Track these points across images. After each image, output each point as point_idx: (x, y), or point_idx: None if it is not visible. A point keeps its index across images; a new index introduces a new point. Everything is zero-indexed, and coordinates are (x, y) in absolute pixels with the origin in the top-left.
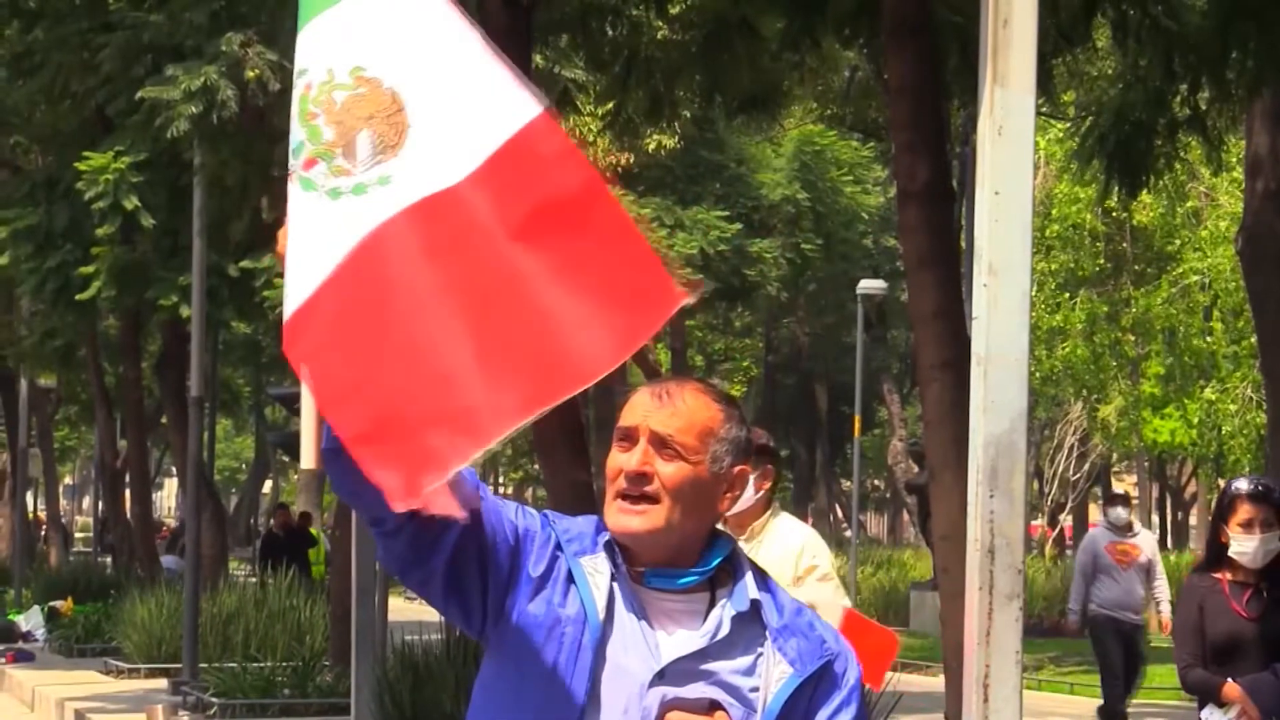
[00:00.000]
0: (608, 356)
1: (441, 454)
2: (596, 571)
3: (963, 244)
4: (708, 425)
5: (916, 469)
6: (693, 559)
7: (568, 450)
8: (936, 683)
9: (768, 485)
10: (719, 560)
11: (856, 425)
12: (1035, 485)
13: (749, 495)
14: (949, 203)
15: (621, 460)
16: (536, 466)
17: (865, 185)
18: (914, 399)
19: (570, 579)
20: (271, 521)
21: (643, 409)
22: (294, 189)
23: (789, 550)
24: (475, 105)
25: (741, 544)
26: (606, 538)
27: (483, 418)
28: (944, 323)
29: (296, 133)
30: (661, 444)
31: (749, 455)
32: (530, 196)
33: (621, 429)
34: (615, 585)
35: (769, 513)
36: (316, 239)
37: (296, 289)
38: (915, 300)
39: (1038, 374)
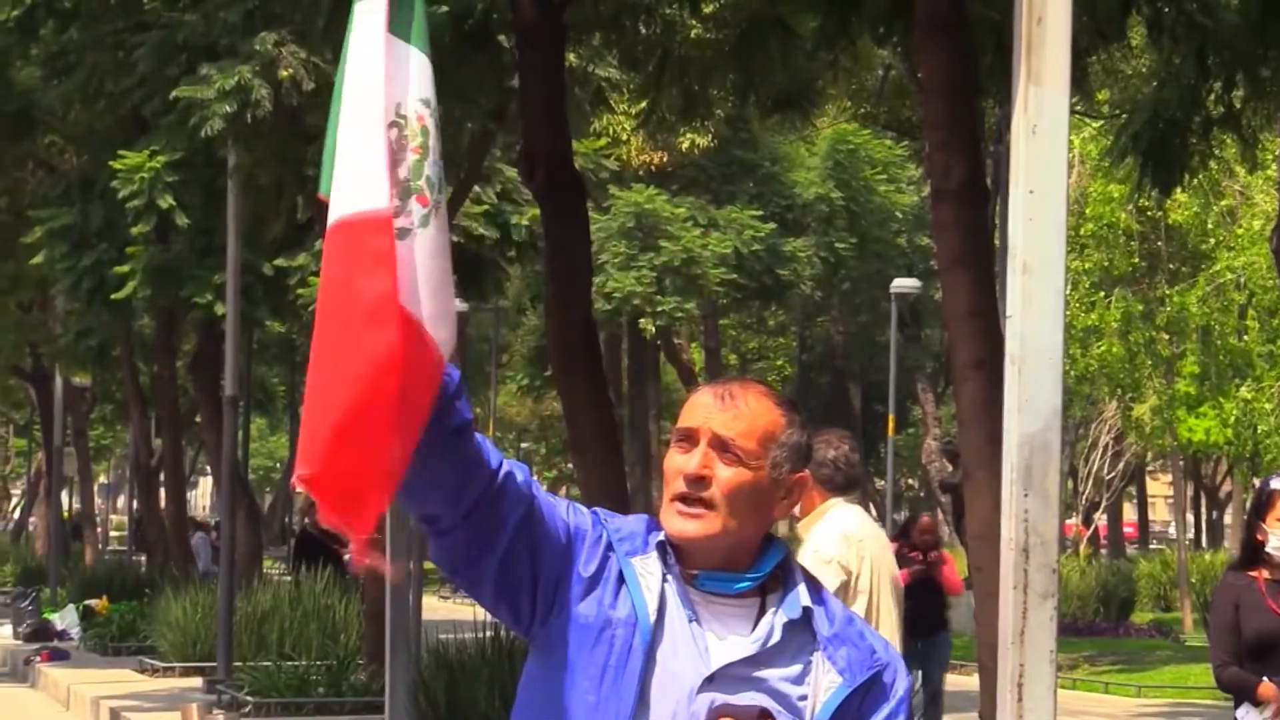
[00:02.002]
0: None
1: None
2: (648, 572)
3: (997, 242)
4: (769, 430)
5: (950, 468)
6: (747, 563)
7: (601, 449)
8: (971, 682)
9: None
10: (773, 566)
11: (890, 424)
12: (1070, 484)
13: None
14: (983, 201)
15: (681, 462)
16: (570, 465)
17: (899, 184)
18: (948, 398)
19: (621, 580)
20: (305, 520)
21: (704, 410)
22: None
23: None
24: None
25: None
26: (659, 538)
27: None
28: (978, 321)
29: (436, 164)
30: (722, 447)
31: (808, 461)
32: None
33: (682, 429)
34: (666, 587)
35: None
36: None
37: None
38: (949, 299)
39: (1072, 373)
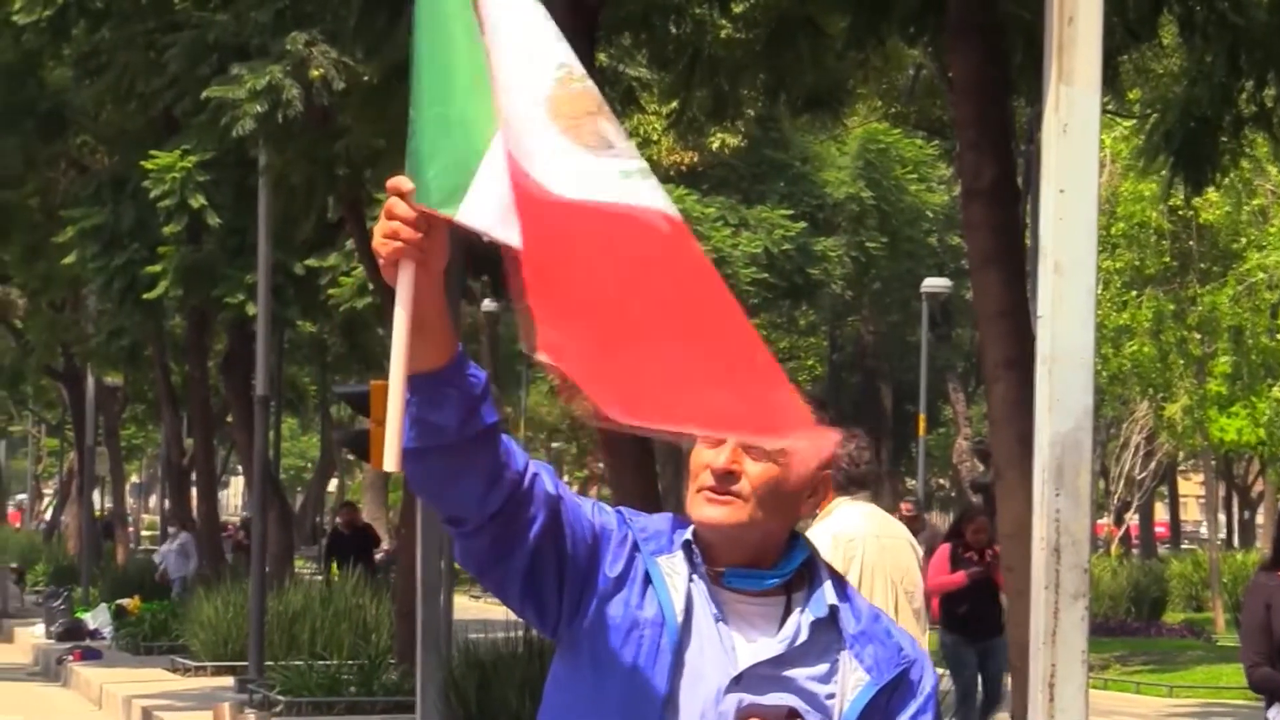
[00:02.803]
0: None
1: (717, 413)
2: (674, 572)
3: (1028, 242)
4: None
5: (982, 468)
6: (772, 560)
7: (632, 449)
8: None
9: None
10: (799, 563)
11: (921, 424)
12: (1101, 484)
13: None
14: (1014, 201)
15: (708, 457)
16: (601, 465)
17: (930, 183)
18: (979, 397)
19: (648, 579)
20: (338, 520)
21: None
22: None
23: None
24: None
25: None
26: (684, 537)
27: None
28: (1009, 321)
29: None
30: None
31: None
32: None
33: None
34: (692, 586)
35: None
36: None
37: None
38: (980, 298)
39: (1104, 373)
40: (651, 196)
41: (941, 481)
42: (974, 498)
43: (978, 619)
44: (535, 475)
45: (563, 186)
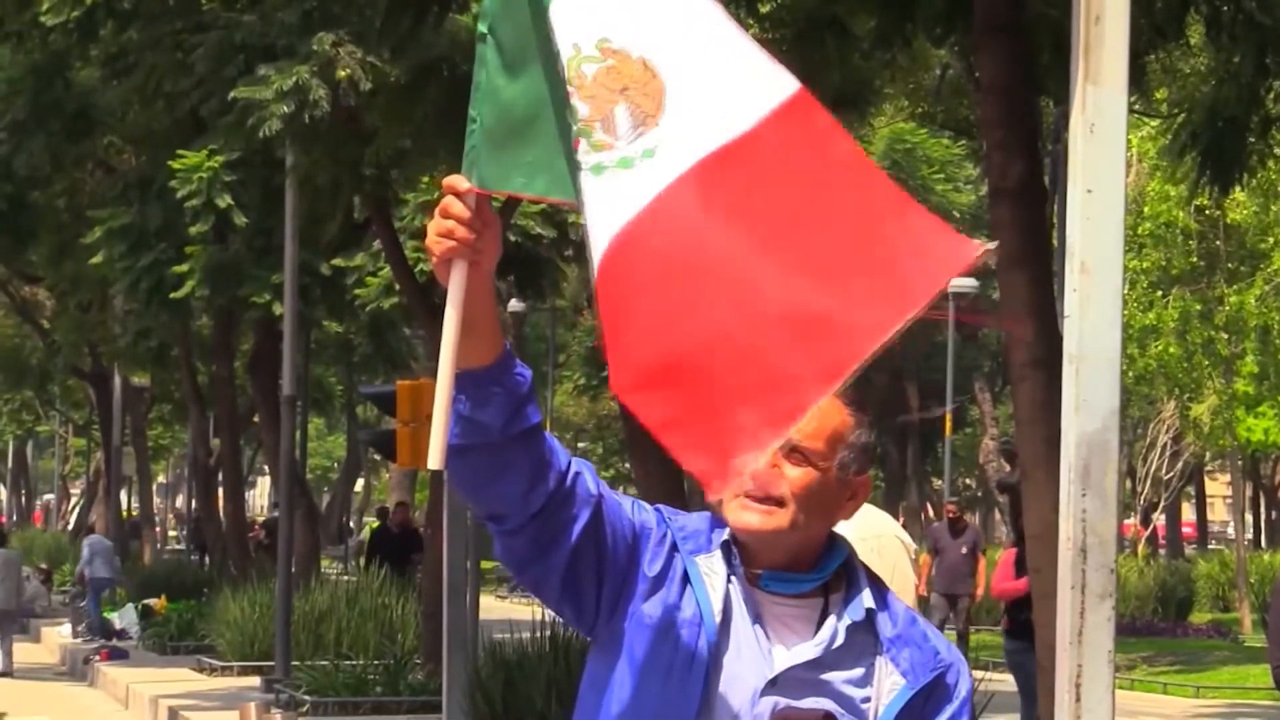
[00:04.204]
0: (895, 312)
1: (754, 431)
2: (712, 572)
3: (1054, 242)
4: (838, 431)
5: (1008, 468)
6: (810, 563)
7: (658, 449)
8: None
9: None
10: (837, 566)
11: (948, 424)
12: (1128, 484)
13: None
14: (1041, 201)
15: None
16: (627, 465)
17: (957, 183)
18: (1006, 397)
19: (686, 579)
20: (389, 518)
21: None
22: None
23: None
24: (734, 75)
25: None
26: (723, 537)
27: (791, 389)
28: (1036, 321)
29: None
30: (791, 448)
31: (873, 462)
32: (806, 160)
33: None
34: (730, 587)
35: None
36: (587, 218)
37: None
38: (1007, 298)
39: (1130, 373)
40: (655, 178)
41: (968, 481)
42: (1000, 498)
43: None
44: (577, 474)
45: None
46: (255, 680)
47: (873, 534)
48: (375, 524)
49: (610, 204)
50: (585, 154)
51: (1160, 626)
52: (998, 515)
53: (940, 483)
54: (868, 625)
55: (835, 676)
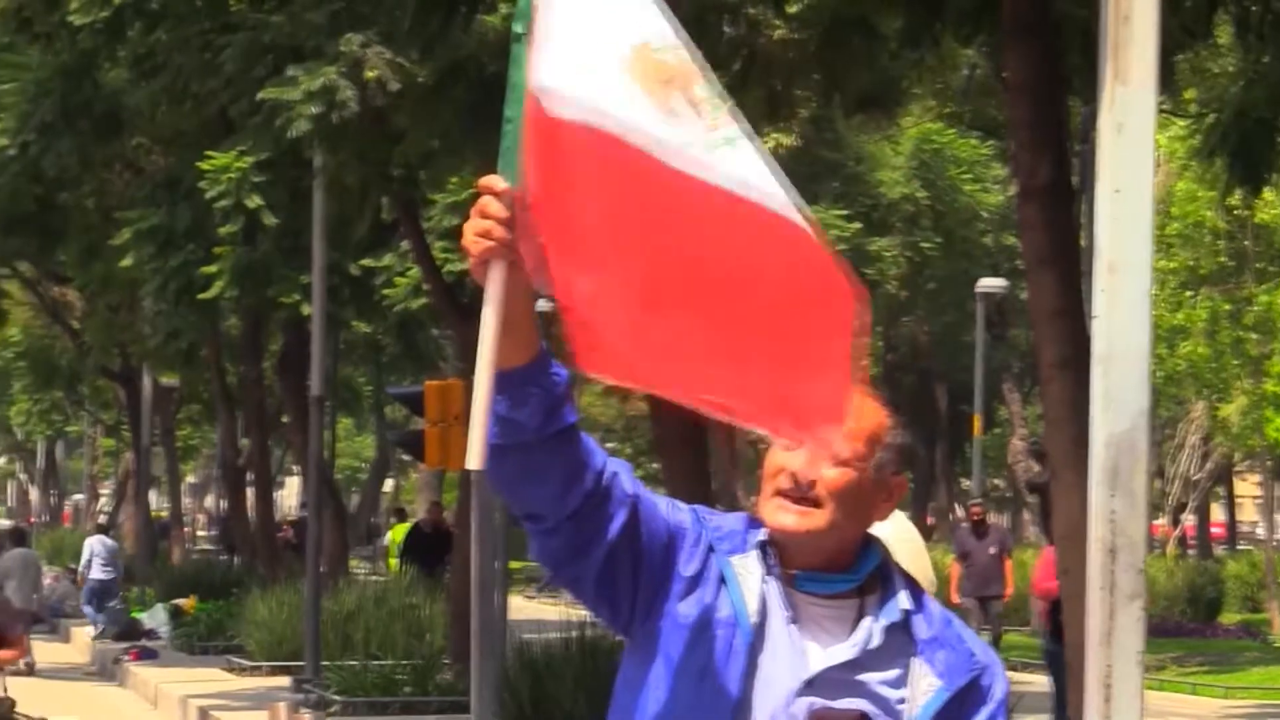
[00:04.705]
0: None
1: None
2: (747, 572)
3: (1083, 242)
4: (875, 431)
5: (1037, 468)
6: (846, 564)
7: (688, 450)
8: None
9: None
10: (873, 567)
11: (976, 424)
12: (1157, 484)
13: None
14: (1069, 200)
15: (784, 460)
16: (656, 465)
17: (985, 183)
18: (1035, 398)
19: (722, 579)
20: (421, 517)
21: None
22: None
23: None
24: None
25: None
26: (759, 537)
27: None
28: (1064, 321)
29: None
30: None
31: (909, 463)
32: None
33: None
34: (766, 588)
35: None
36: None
37: None
38: (1035, 298)
39: (1159, 373)
40: (718, 171)
41: (996, 482)
42: (1029, 498)
43: None
44: (614, 474)
45: (629, 133)
46: (284, 680)
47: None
48: (397, 525)
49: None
50: (712, 130)
51: (1190, 627)
52: (1027, 515)
53: (969, 483)
54: (903, 627)
55: (871, 678)
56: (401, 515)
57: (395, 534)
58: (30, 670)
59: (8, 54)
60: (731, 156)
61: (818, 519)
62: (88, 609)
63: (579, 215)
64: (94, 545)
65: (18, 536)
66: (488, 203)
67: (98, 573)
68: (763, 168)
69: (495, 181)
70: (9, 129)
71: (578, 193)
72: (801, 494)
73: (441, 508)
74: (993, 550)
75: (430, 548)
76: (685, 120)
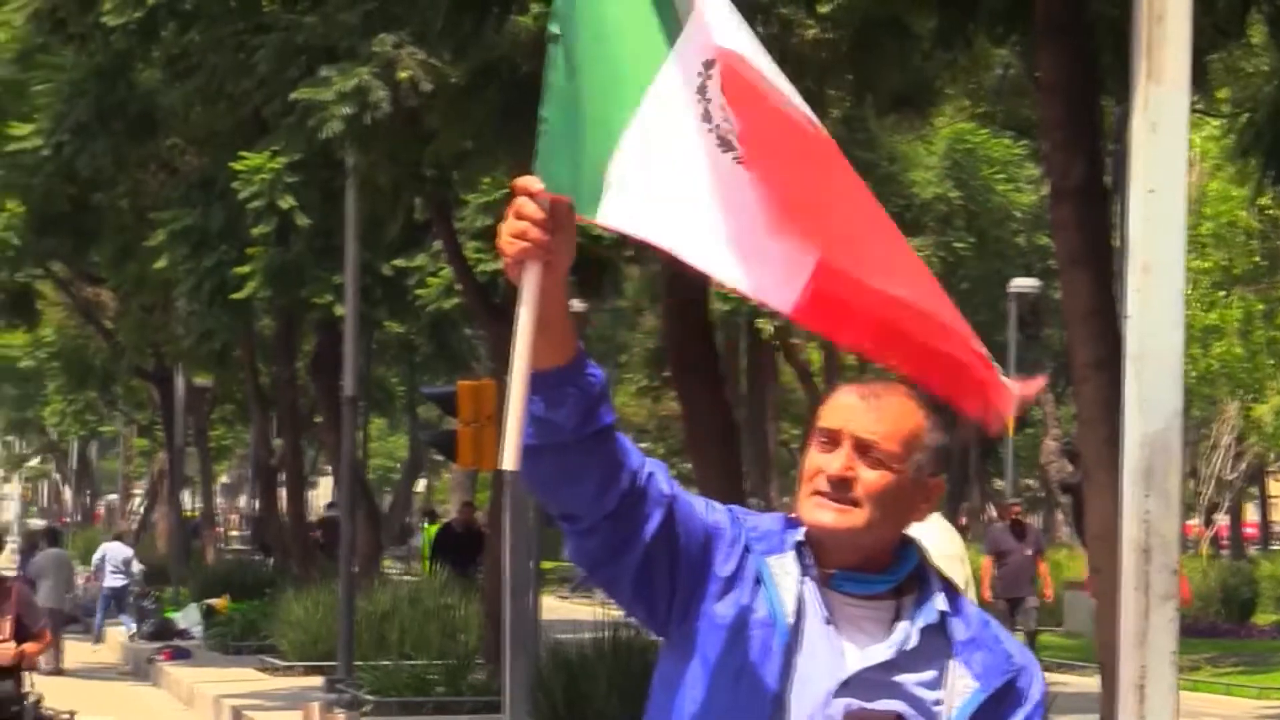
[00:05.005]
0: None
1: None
2: (785, 572)
3: (1116, 242)
4: (913, 432)
5: (1071, 468)
6: (883, 565)
7: (719, 449)
8: (1091, 684)
9: None
10: (910, 568)
11: (1009, 425)
12: (1191, 484)
13: None
14: (1102, 200)
15: (822, 461)
16: (688, 466)
17: (1018, 183)
18: (1068, 398)
19: (758, 580)
20: (453, 517)
21: (848, 411)
22: None
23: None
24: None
25: None
26: (796, 538)
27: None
28: (1098, 321)
29: None
30: (865, 449)
31: (948, 464)
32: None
33: (824, 429)
34: (803, 588)
35: None
36: None
37: None
38: (1068, 299)
39: (1193, 373)
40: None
41: (1029, 482)
42: (1062, 498)
43: None
44: (650, 474)
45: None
46: (318, 680)
47: None
48: (428, 526)
49: None
50: None
51: (1223, 627)
52: (1060, 516)
53: (1002, 483)
54: (940, 628)
55: (907, 679)
56: (432, 516)
57: (429, 534)
58: (56, 670)
59: (43, 55)
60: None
61: (856, 517)
62: (97, 616)
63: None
64: (107, 551)
65: (51, 537)
66: (523, 204)
67: (110, 579)
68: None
69: (531, 182)
70: (44, 130)
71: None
72: (840, 495)
73: (473, 508)
74: (1029, 551)
75: (462, 548)
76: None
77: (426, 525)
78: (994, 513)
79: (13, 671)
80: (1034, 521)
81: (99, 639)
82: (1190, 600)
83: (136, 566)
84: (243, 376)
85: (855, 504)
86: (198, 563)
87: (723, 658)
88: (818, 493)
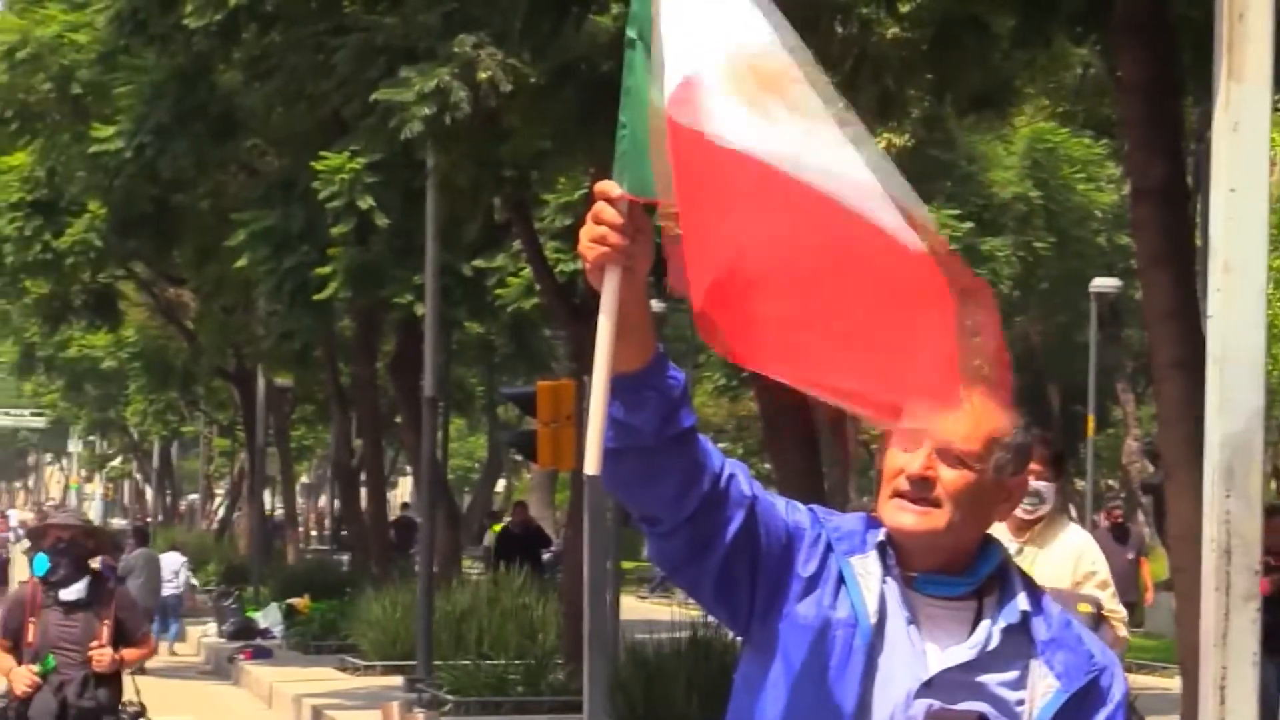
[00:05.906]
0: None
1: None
2: (867, 573)
3: (1197, 241)
4: (994, 432)
5: (1151, 468)
6: (965, 566)
7: (798, 450)
8: (1172, 684)
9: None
10: (991, 569)
11: (1090, 425)
12: (1272, 485)
13: (1050, 500)
14: (1183, 200)
15: (903, 461)
16: (768, 465)
17: (1098, 183)
18: (1149, 398)
19: (841, 580)
20: (508, 519)
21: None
22: None
23: (1068, 553)
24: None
25: (1020, 545)
26: (878, 538)
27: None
28: (1179, 321)
29: None
30: (946, 448)
31: (1029, 464)
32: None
33: (905, 429)
34: (885, 588)
35: (1050, 517)
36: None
37: None
38: (1149, 298)
39: (1275, 372)
40: (811, 172)
41: (1110, 483)
42: (1144, 498)
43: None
44: (731, 476)
45: (739, 138)
46: (398, 680)
47: None
48: (497, 528)
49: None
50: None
51: None
52: (1141, 516)
53: (1083, 484)
54: (1022, 628)
55: (990, 679)
56: (495, 517)
57: (493, 534)
58: (139, 670)
59: (124, 57)
60: (830, 157)
61: (937, 519)
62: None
63: (712, 218)
64: (163, 561)
65: (140, 535)
66: (602, 208)
67: (163, 589)
68: (861, 168)
69: (610, 187)
70: (125, 131)
71: (709, 196)
72: (920, 494)
73: (527, 507)
74: (1130, 555)
75: (521, 549)
76: (782, 123)
77: (493, 526)
78: (1075, 513)
79: (112, 679)
80: (1136, 525)
81: (177, 638)
82: None
83: (185, 574)
84: (323, 377)
85: (936, 504)
86: (279, 562)
87: (805, 658)
88: (898, 493)
